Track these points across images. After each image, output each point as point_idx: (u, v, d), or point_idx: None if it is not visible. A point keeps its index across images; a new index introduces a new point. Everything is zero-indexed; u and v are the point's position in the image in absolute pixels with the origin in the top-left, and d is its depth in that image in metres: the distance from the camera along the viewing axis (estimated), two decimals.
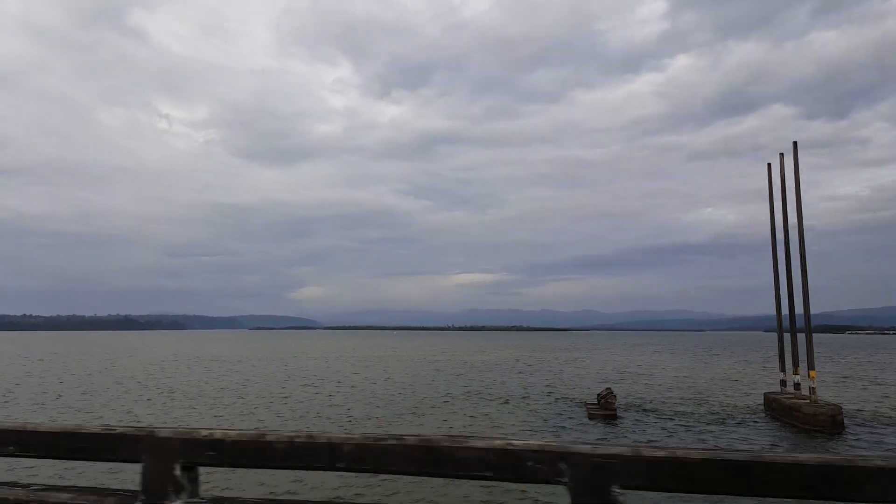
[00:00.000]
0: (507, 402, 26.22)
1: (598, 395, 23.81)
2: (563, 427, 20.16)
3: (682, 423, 21.10)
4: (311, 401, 25.98)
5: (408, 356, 65.06)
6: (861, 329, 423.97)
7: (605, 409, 22.03)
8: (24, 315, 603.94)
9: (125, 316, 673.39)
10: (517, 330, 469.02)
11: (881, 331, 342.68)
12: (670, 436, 18.74)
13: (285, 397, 27.30)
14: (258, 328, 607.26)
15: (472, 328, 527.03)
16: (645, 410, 23.91)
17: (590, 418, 21.60)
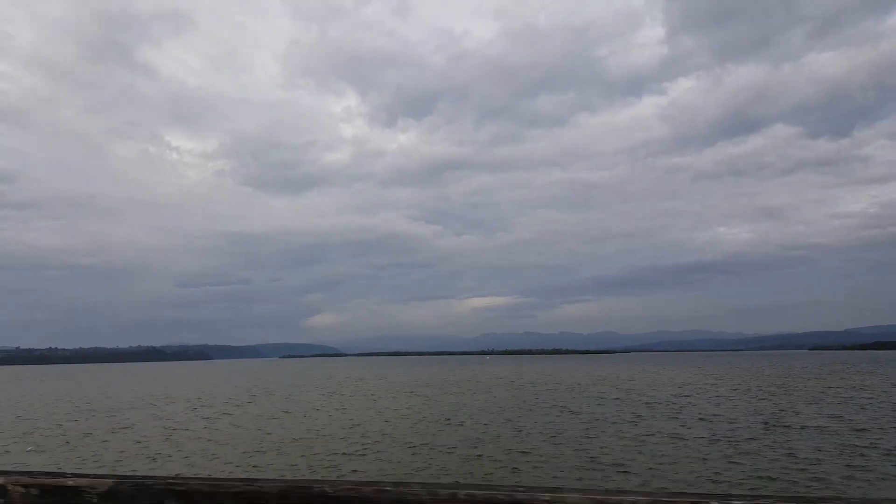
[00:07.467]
0: None
1: None
2: None
3: None
4: None
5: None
6: None
7: None
8: (50, 348, 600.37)
9: (152, 347, 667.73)
10: (558, 353, 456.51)
11: None
12: None
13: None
14: (287, 356, 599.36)
15: (509, 352, 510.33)
16: None
17: None
